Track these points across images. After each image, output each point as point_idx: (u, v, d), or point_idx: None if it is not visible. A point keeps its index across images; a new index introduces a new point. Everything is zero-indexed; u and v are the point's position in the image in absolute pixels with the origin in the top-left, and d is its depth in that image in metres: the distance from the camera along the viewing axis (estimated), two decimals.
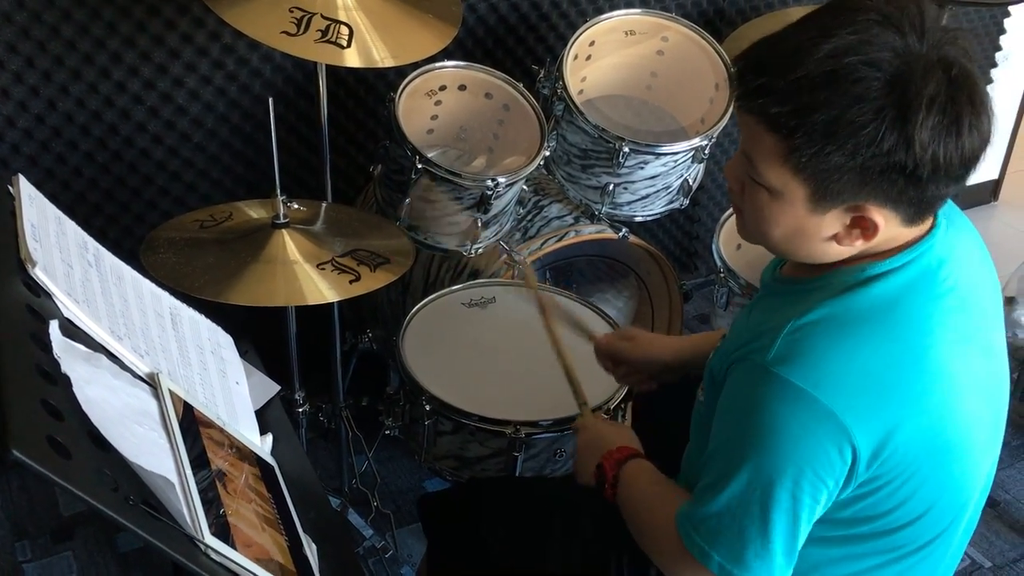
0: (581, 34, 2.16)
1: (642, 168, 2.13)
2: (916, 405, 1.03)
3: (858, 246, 1.06)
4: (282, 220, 1.65)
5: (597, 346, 1.60)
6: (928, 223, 1.10)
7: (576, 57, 2.18)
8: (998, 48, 3.40)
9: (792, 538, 1.05)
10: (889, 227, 1.05)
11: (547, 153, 2.03)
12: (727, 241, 2.24)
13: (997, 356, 1.16)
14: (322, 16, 1.68)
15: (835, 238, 1.06)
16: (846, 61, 0.96)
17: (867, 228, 1.04)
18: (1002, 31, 3.36)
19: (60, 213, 1.21)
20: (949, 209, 1.15)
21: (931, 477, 1.07)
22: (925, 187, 1.00)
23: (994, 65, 3.43)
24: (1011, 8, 3.26)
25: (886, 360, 1.02)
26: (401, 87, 1.98)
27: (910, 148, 0.96)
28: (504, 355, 1.87)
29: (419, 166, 1.89)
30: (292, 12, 1.66)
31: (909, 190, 1.00)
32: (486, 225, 2.03)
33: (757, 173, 1.05)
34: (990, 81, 3.44)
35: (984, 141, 1.00)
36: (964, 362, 1.08)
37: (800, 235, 1.07)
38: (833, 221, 1.05)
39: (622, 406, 1.75)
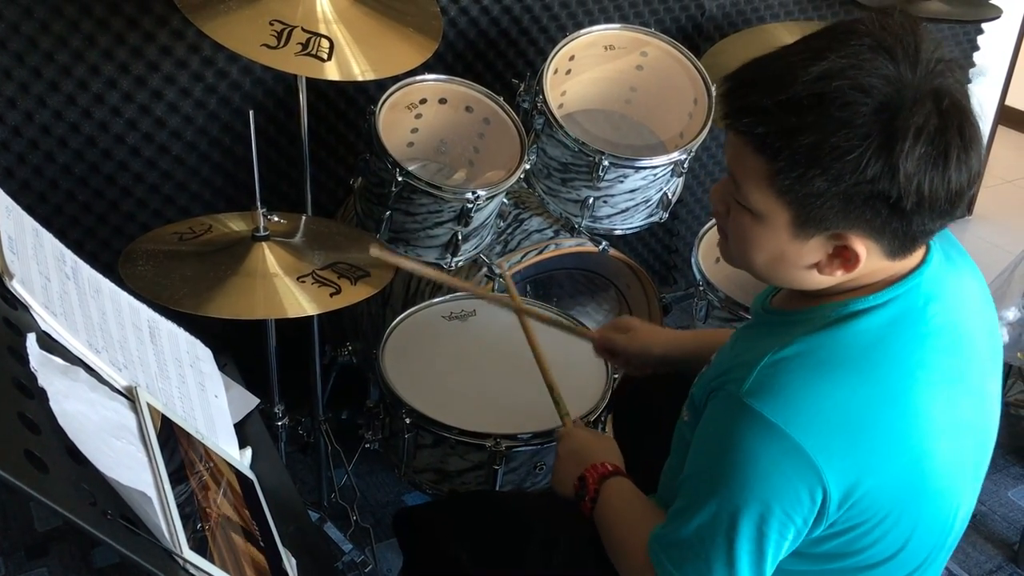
0: (561, 48, 2.17)
1: (622, 182, 2.14)
2: (891, 449, 1.01)
3: (839, 276, 1.05)
4: (262, 233, 1.65)
5: (595, 343, 1.61)
6: (917, 257, 1.08)
7: (556, 71, 2.19)
8: (972, 64, 3.45)
9: (758, 571, 1.04)
10: (872, 259, 1.03)
11: (527, 166, 2.04)
12: (706, 254, 2.26)
13: (988, 400, 1.14)
14: (303, 29, 1.68)
15: (817, 266, 1.05)
16: (835, 85, 0.94)
17: (848, 259, 1.02)
18: (975, 48, 3.41)
19: (37, 225, 1.20)
20: (950, 246, 1.13)
21: (906, 518, 1.06)
22: (909, 219, 0.98)
23: (968, 82, 3.48)
24: (984, 25, 3.31)
25: (862, 401, 1.00)
26: (381, 100, 1.98)
27: (894, 177, 0.94)
28: (484, 368, 1.87)
29: (399, 179, 1.89)
30: (272, 25, 1.67)
31: (893, 221, 0.98)
32: (466, 238, 2.03)
33: (741, 195, 1.03)
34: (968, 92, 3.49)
35: (972, 177, 0.98)
36: (947, 404, 1.05)
37: (782, 261, 1.06)
38: (815, 249, 1.03)
39: (602, 418, 1.75)
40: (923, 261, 1.08)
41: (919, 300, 1.06)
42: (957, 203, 0.99)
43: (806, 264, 1.05)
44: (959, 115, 0.97)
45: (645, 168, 2.12)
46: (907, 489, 1.04)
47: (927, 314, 1.06)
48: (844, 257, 1.03)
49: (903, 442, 1.02)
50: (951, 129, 0.96)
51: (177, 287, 1.52)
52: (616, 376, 1.81)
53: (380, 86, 2.01)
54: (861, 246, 1.01)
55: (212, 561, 0.96)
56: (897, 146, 0.94)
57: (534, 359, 1.62)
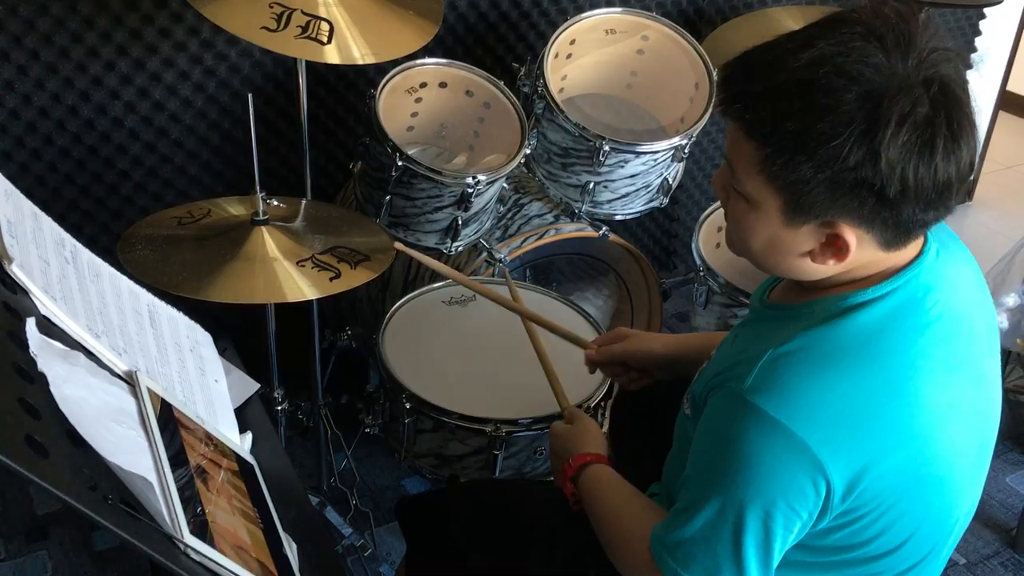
0: (562, 32, 2.16)
1: (622, 167, 2.13)
2: (894, 440, 1.02)
3: (831, 265, 1.05)
4: (261, 217, 1.64)
5: (588, 353, 1.56)
6: (915, 249, 1.08)
7: (557, 55, 2.18)
8: (973, 50, 3.43)
9: (765, 566, 1.04)
10: (865, 249, 1.03)
11: (528, 151, 2.04)
12: (706, 240, 2.25)
13: (988, 383, 1.14)
14: (302, 12, 1.67)
15: (810, 255, 1.05)
16: (822, 72, 0.94)
17: (840, 248, 1.02)
18: (977, 32, 3.40)
19: (36, 209, 1.20)
20: (941, 233, 1.13)
21: (911, 509, 1.06)
22: (897, 209, 0.98)
23: (969, 67, 3.46)
24: (986, 10, 3.30)
25: (865, 394, 1.01)
26: (381, 84, 1.97)
27: (876, 165, 0.94)
28: (484, 353, 1.87)
29: (399, 163, 1.89)
30: (272, 8, 1.66)
31: (881, 210, 0.98)
32: (466, 223, 2.03)
33: (736, 181, 1.04)
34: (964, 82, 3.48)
35: (963, 168, 0.97)
36: (949, 393, 1.06)
37: (776, 248, 1.06)
38: (808, 237, 1.03)
39: (602, 404, 1.75)
40: (921, 252, 1.08)
41: (918, 291, 1.06)
42: (947, 194, 0.98)
43: (799, 252, 1.05)
44: (950, 105, 0.96)
45: (646, 153, 2.11)
46: (911, 479, 1.04)
47: (926, 304, 1.06)
48: (836, 246, 1.02)
49: (906, 433, 1.02)
50: (939, 118, 0.95)
51: (176, 271, 1.51)
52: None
53: (380, 70, 2.00)
54: (852, 235, 1.01)
55: (212, 545, 0.96)
56: (879, 133, 0.93)
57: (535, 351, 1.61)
